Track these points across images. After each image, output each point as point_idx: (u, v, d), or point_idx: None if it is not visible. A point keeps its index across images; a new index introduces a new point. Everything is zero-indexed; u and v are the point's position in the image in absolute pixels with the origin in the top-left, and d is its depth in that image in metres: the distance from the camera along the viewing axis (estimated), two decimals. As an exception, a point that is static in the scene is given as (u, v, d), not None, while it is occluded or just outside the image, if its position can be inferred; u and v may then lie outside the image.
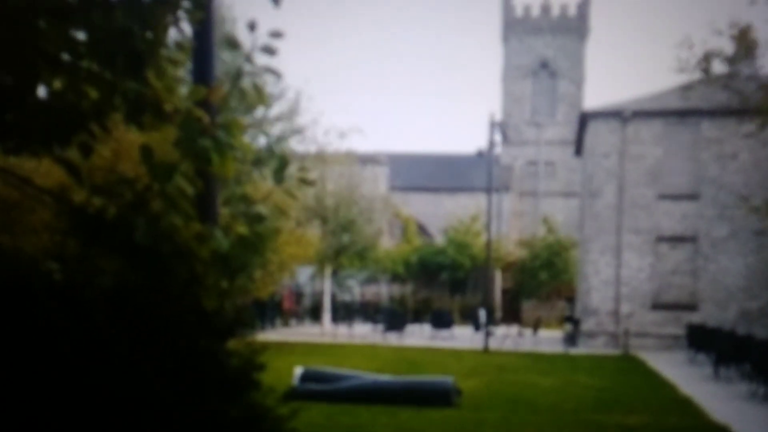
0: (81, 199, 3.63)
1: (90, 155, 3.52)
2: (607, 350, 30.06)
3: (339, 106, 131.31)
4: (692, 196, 31.14)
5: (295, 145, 28.08)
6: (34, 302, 3.62)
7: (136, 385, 3.62)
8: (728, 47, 22.16)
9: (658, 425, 13.22)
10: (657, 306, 31.23)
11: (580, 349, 29.86)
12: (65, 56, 3.38)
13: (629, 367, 23.88)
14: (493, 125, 33.37)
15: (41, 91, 3.48)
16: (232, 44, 3.78)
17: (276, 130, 26.51)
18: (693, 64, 22.01)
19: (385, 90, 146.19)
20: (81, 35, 3.36)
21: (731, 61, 22.23)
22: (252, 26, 3.52)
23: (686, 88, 23.69)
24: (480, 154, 36.37)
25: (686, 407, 15.61)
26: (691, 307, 30.83)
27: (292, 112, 26.84)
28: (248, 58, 3.57)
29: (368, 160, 45.75)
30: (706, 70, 21.86)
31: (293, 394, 13.93)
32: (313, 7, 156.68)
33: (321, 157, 33.37)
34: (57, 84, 3.47)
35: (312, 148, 31.64)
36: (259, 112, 25.02)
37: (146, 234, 3.42)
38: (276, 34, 3.56)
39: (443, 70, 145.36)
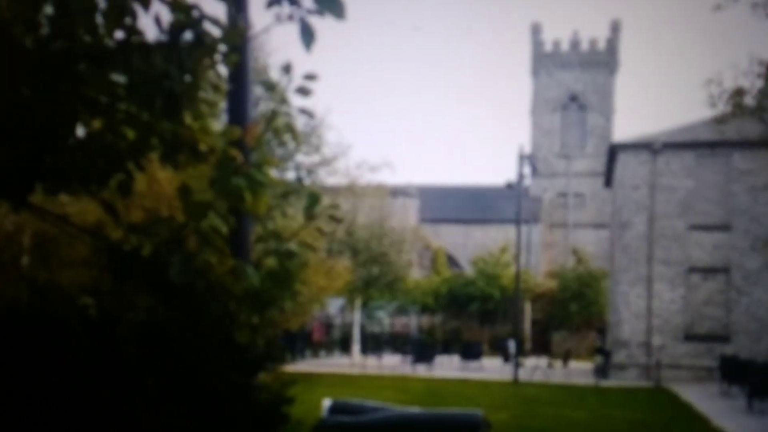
0: (117, 236, 3.71)
1: (129, 195, 3.61)
2: (638, 382, 29.72)
3: (368, 139, 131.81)
4: (724, 227, 30.87)
5: (325, 176, 28.24)
6: (68, 336, 3.69)
7: (166, 420, 3.67)
8: (759, 82, 22.05)
9: (691, 460, 13.05)
10: (689, 337, 30.87)
11: (611, 382, 29.56)
12: (104, 98, 3.47)
13: (661, 399, 23.59)
14: (522, 158, 33.41)
15: (79, 131, 3.57)
16: (269, 87, 3.87)
17: (305, 161, 26.67)
18: (724, 99, 21.93)
19: (415, 123, 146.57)
20: (120, 78, 3.45)
21: (763, 95, 22.11)
22: (287, 69, 3.61)
23: (718, 121, 23.55)
24: (509, 186, 36.35)
25: (720, 442, 15.40)
26: (723, 338, 30.45)
27: (318, 144, 26.98)
28: (284, 100, 3.65)
29: (398, 192, 45.85)
30: (738, 105, 21.74)
31: (322, 426, 13.89)
32: (341, 39, 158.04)
33: (352, 190, 33.55)
34: (95, 125, 3.56)
35: (342, 181, 31.81)
36: (290, 145, 25.20)
37: (181, 271, 3.49)
38: (310, 77, 3.65)
39: (472, 103, 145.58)
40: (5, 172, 3.45)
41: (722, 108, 22.27)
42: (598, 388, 27.12)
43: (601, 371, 31.14)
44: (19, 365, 3.58)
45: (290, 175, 25.83)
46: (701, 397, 23.78)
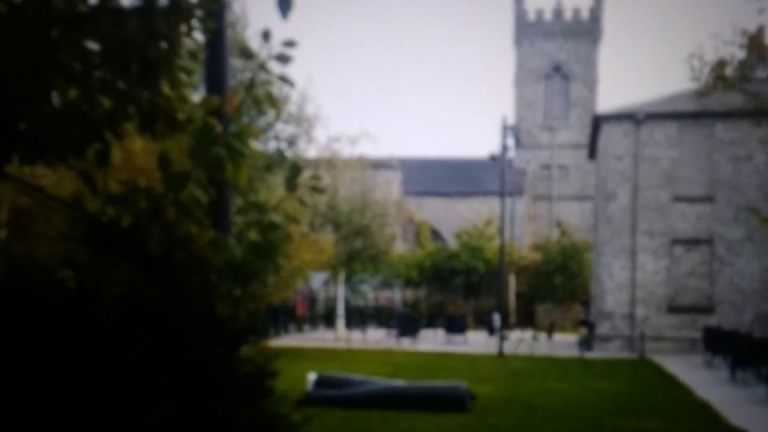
0: (95, 208, 3.64)
1: (106, 165, 3.53)
2: (622, 354, 29.92)
3: (350, 111, 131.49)
4: (707, 198, 30.99)
5: (304, 147, 28.08)
6: (46, 310, 3.63)
7: (146, 393, 3.62)
8: (741, 53, 22.06)
9: (676, 430, 13.16)
10: (673, 309, 31.08)
11: (596, 353, 29.74)
12: (78, 65, 3.38)
13: (645, 371, 23.76)
14: (505, 129, 33.33)
15: (55, 101, 3.48)
16: (247, 54, 3.79)
17: (284, 133, 26.53)
18: (706, 72, 21.93)
19: (398, 95, 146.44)
20: (94, 45, 3.36)
21: (744, 66, 22.11)
22: (266, 36, 3.53)
23: (701, 94, 23.59)
24: (493, 159, 36.31)
25: (703, 411, 15.52)
26: (707, 310, 30.67)
27: (299, 114, 26.83)
28: (263, 67, 3.57)
29: (381, 165, 45.80)
30: (720, 77, 21.74)
31: (307, 400, 13.94)
32: (323, 11, 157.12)
33: (333, 163, 33.39)
34: (70, 93, 3.47)
35: (323, 154, 31.65)
36: (270, 115, 25.04)
37: (160, 242, 3.42)
38: (289, 44, 3.57)
39: (455, 74, 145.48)
40: (-22, 143, 3.37)
41: (704, 81, 22.27)
42: (583, 360, 27.29)
43: (585, 343, 31.31)
44: (-3, 340, 3.51)
45: (271, 145, 25.68)
46: (685, 368, 23.98)
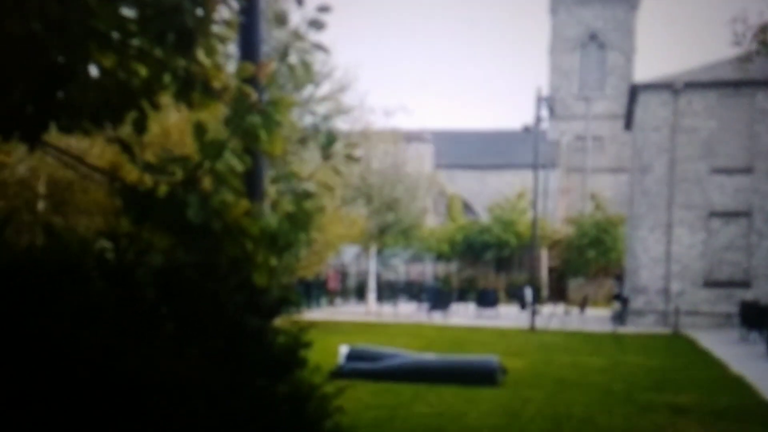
0: (132, 178, 3.65)
1: (143, 132, 3.54)
2: (656, 329, 29.71)
3: (383, 82, 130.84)
4: (746, 170, 30.47)
5: (341, 123, 28.10)
6: (85, 281, 3.65)
7: (184, 362, 3.65)
8: None
9: (709, 404, 13.03)
10: (709, 283, 30.72)
11: (629, 328, 29.56)
12: (115, 34, 3.38)
13: (679, 346, 23.58)
14: (539, 100, 33.02)
15: (92, 70, 3.49)
16: (280, 20, 3.76)
17: (323, 109, 26.56)
18: (749, 37, 21.40)
19: (430, 66, 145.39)
20: (131, 13, 3.35)
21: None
22: (300, 0, 3.49)
23: (742, 60, 23.04)
24: (526, 130, 35.97)
25: (738, 386, 15.37)
26: (744, 284, 30.28)
27: (340, 91, 26.83)
28: (297, 34, 3.54)
29: (413, 137, 45.52)
30: (763, 42, 21.21)
31: (339, 373, 14.00)
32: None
33: (366, 135, 33.29)
34: (107, 62, 3.47)
35: (357, 127, 31.58)
36: (307, 91, 25.05)
37: (198, 211, 3.43)
38: (323, 9, 3.53)
39: (489, 44, 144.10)
40: (18, 110, 3.38)
41: (747, 46, 21.74)
42: (616, 334, 27.11)
43: (619, 318, 31.12)
44: (37, 311, 3.54)
45: (306, 119, 25.74)
46: (720, 343, 23.74)
